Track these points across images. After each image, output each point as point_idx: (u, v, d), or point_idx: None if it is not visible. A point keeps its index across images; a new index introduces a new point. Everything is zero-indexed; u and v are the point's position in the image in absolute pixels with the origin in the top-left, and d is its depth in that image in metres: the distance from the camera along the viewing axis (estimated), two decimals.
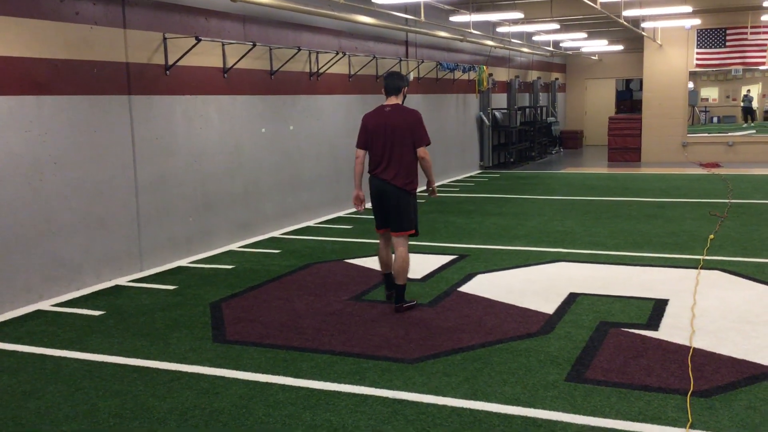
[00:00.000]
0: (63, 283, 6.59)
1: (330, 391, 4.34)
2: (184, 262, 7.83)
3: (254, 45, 8.54)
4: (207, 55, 8.21)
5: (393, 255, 6.07)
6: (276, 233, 9.43)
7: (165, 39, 7.61)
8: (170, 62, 7.67)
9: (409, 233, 5.95)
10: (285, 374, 4.61)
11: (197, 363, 4.85)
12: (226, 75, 8.52)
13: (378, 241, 6.27)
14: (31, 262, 6.29)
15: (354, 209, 9.42)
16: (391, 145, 5.84)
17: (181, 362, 4.87)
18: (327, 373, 4.62)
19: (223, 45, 8.40)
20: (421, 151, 5.88)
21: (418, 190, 6.14)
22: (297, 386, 4.42)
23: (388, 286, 6.20)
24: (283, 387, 4.42)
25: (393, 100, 5.96)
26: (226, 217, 8.66)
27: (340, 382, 4.46)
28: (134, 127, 7.30)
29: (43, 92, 6.35)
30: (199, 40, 7.76)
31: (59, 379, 4.65)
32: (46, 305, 6.29)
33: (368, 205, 6.27)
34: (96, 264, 6.91)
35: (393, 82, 5.94)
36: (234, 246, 8.63)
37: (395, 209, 5.89)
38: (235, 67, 8.57)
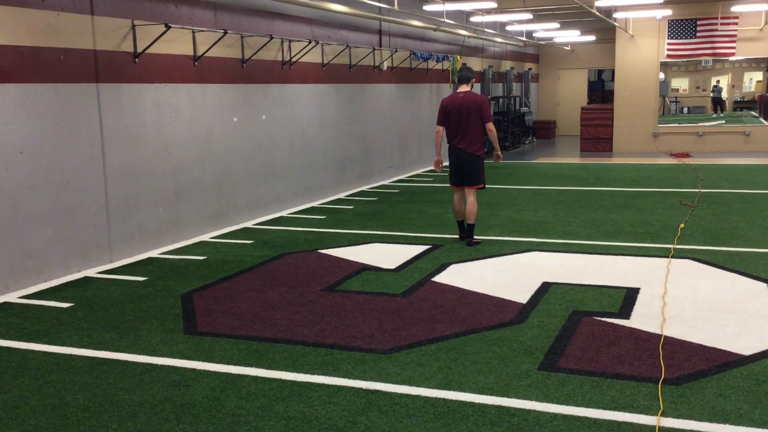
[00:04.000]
0: (30, 275, 6.47)
1: (303, 382, 4.30)
2: (154, 253, 7.73)
3: (225, 33, 8.42)
4: (177, 43, 8.09)
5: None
6: (248, 224, 9.35)
7: (134, 26, 7.47)
8: (139, 50, 7.54)
9: (478, 187, 7.88)
10: (257, 366, 4.57)
11: (168, 355, 4.79)
12: (196, 63, 8.40)
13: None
14: None
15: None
16: (465, 122, 7.69)
17: (151, 355, 4.80)
18: (300, 364, 4.59)
19: (193, 32, 8.28)
20: (489, 125, 7.78)
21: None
22: (270, 378, 4.38)
23: (461, 230, 8.02)
24: (255, 379, 4.37)
25: (464, 88, 7.83)
26: (198, 208, 8.56)
27: (313, 374, 4.42)
28: (102, 115, 7.17)
29: (7, 80, 6.20)
30: (168, 28, 7.63)
31: (26, 372, 4.56)
32: (12, 297, 6.17)
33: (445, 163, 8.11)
34: (64, 255, 6.79)
35: (465, 75, 7.86)
36: (206, 236, 8.54)
37: (468, 170, 7.81)
38: (205, 55, 8.45)
